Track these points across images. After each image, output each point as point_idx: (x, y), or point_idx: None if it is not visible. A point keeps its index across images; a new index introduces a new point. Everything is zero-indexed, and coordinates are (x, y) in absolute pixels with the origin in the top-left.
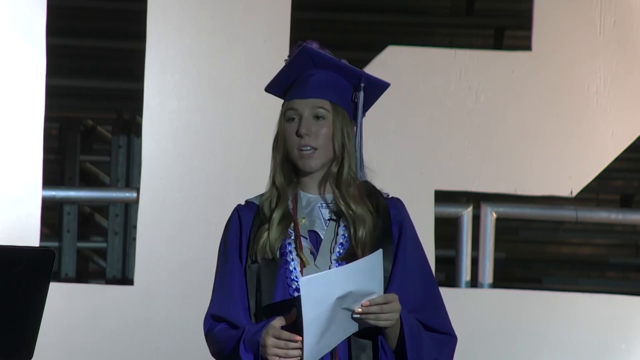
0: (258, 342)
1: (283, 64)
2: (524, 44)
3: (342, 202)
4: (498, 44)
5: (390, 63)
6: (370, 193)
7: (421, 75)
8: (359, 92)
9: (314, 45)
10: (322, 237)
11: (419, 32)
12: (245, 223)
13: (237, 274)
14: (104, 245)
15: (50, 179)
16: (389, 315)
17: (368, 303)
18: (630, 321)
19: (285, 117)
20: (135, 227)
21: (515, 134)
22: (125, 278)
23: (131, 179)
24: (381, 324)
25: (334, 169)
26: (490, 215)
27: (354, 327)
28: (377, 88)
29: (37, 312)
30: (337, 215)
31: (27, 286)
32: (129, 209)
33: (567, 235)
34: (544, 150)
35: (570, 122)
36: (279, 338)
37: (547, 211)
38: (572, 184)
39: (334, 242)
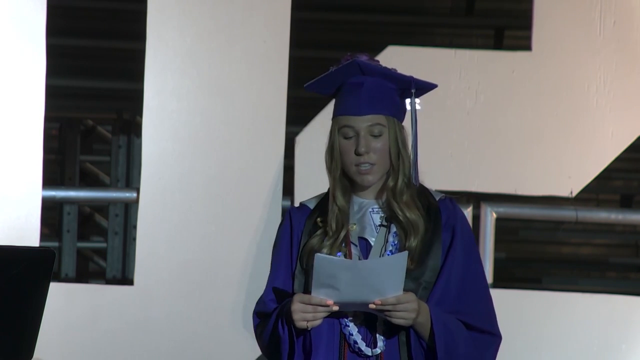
0: (288, 311)
1: (283, 64)
2: (524, 44)
3: (398, 211)
4: (498, 44)
5: (390, 63)
6: (421, 193)
7: (421, 75)
8: (412, 98)
9: (364, 58)
10: (371, 243)
11: (419, 32)
12: (296, 227)
13: (283, 277)
14: (104, 245)
15: (50, 179)
16: (402, 314)
17: (380, 302)
18: (630, 321)
19: (341, 134)
20: (135, 227)
21: (515, 134)
22: (125, 278)
23: (131, 179)
24: (395, 321)
25: (391, 182)
26: (490, 215)
27: (369, 311)
28: (424, 90)
29: (37, 312)
30: (388, 221)
31: (27, 286)
32: (129, 209)
33: (567, 235)
34: (544, 150)
35: (570, 122)
36: (308, 303)
37: (547, 211)
38: (572, 184)
39: (383, 249)
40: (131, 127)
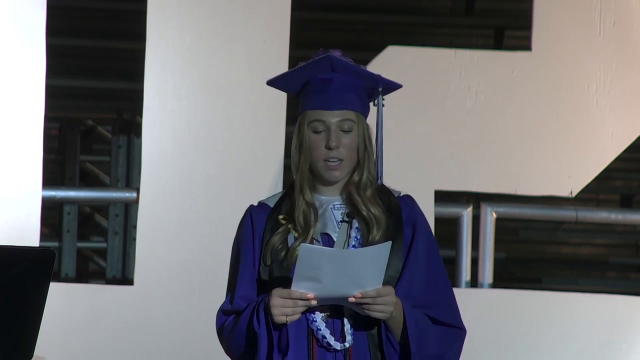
0: (266, 307)
1: (283, 64)
2: (524, 44)
3: (362, 206)
4: (498, 44)
5: (390, 63)
6: (381, 191)
7: (421, 75)
8: (378, 97)
9: (337, 54)
10: (334, 239)
11: (419, 32)
12: (257, 224)
13: (249, 273)
14: (104, 245)
15: (50, 179)
16: (381, 307)
17: (360, 295)
18: (630, 321)
19: (311, 128)
20: (135, 227)
21: (515, 134)
22: (125, 278)
23: (131, 179)
24: (373, 314)
25: (356, 177)
26: (490, 215)
27: (347, 304)
28: (390, 90)
29: (37, 312)
30: (349, 217)
31: (27, 286)
32: (129, 209)
33: (567, 235)
34: (544, 150)
35: (570, 122)
36: (288, 297)
37: (547, 211)
38: (572, 184)
39: (346, 244)
40: (131, 127)
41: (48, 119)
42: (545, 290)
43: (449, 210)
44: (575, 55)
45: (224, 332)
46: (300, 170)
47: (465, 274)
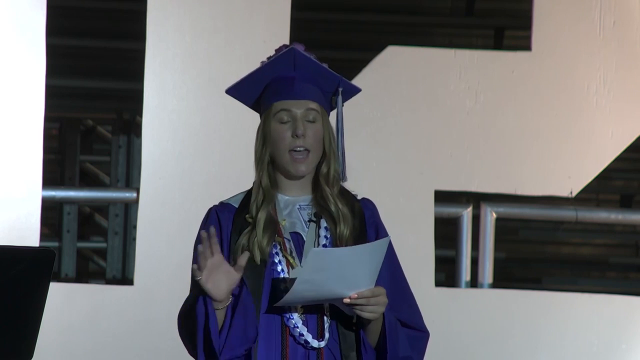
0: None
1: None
2: (524, 44)
3: (330, 198)
4: (498, 44)
5: (390, 63)
6: (344, 193)
7: (421, 75)
8: (338, 97)
9: (300, 48)
10: (304, 238)
11: (419, 32)
12: (225, 225)
13: None
14: (104, 245)
15: (50, 179)
16: (374, 308)
17: (356, 296)
18: (630, 321)
19: (276, 119)
20: (135, 227)
21: (515, 134)
22: (125, 278)
23: (131, 179)
24: (365, 315)
25: (325, 169)
26: (490, 215)
27: (337, 303)
28: (350, 93)
29: (37, 312)
30: (317, 217)
31: (27, 286)
32: (129, 209)
33: (567, 235)
34: (544, 150)
35: (570, 122)
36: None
37: (547, 211)
38: (572, 184)
39: (316, 242)
40: (131, 127)
41: (48, 119)
42: (545, 291)
43: (449, 210)
44: (575, 55)
45: (180, 326)
46: (263, 165)
47: (465, 274)
